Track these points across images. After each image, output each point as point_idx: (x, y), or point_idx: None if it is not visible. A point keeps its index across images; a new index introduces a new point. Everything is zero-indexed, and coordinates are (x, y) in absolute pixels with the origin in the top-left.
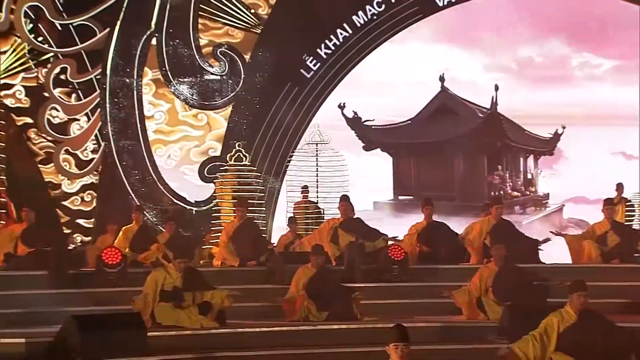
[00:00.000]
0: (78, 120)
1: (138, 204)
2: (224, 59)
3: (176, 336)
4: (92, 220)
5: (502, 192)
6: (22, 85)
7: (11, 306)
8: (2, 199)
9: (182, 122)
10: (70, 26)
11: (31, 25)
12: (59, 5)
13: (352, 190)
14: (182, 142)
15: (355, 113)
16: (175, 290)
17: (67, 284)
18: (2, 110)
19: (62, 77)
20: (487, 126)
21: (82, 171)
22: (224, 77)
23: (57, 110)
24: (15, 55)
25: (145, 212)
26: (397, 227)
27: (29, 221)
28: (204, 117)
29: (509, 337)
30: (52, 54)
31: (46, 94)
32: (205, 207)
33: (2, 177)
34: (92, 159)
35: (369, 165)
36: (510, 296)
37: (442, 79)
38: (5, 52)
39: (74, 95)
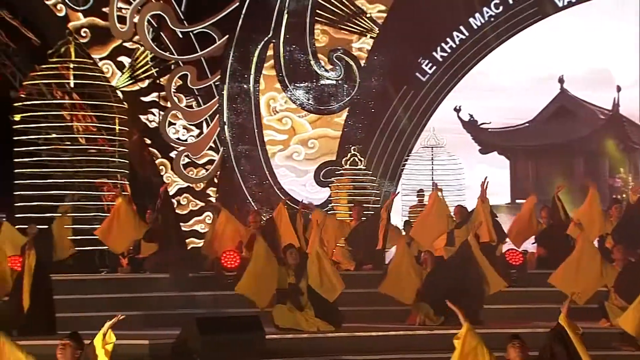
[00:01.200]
0: (196, 126)
1: (255, 208)
2: (339, 63)
3: (294, 339)
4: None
5: (624, 195)
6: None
7: (135, 308)
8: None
9: (267, 127)
10: (191, 34)
11: (153, 33)
12: (180, 14)
13: (468, 193)
14: (268, 145)
15: (471, 116)
16: (292, 287)
17: (187, 287)
18: (126, 117)
19: (183, 84)
20: (608, 128)
21: (201, 176)
22: (340, 82)
23: (178, 117)
24: (138, 63)
25: (262, 216)
26: None
27: (151, 223)
28: (288, 121)
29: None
30: (173, 61)
31: (167, 101)
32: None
33: (126, 182)
34: (209, 165)
35: (484, 168)
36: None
37: (561, 80)
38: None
39: (194, 102)
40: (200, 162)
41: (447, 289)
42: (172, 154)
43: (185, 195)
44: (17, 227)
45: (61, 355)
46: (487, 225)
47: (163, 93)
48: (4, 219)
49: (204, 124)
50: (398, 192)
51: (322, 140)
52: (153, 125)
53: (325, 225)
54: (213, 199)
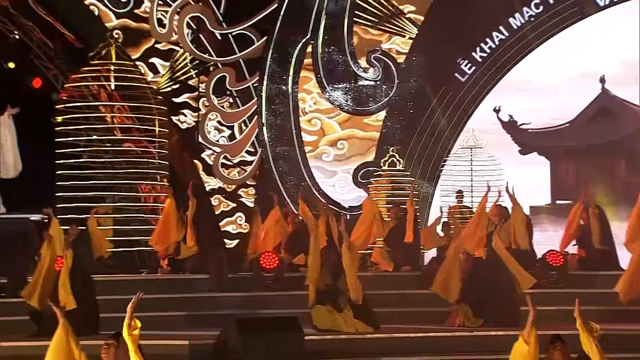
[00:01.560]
0: (234, 127)
1: (294, 209)
2: (377, 64)
3: (332, 340)
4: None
5: None
6: (185, 95)
7: (175, 309)
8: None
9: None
10: (230, 35)
11: (192, 35)
12: (219, 16)
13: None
14: None
15: (510, 117)
16: (330, 288)
17: (227, 288)
18: (166, 119)
19: (221, 85)
20: None
21: (240, 177)
22: (378, 83)
23: (217, 118)
24: (178, 65)
25: (300, 217)
26: (555, 232)
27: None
28: (317, 122)
29: None
30: (212, 63)
31: (206, 102)
32: (360, 212)
33: (166, 183)
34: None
35: (524, 169)
36: None
37: (602, 80)
38: (168, 62)
39: (232, 103)
40: (234, 163)
41: (484, 291)
42: (203, 155)
43: (216, 196)
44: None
45: (105, 356)
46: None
47: (195, 94)
48: (47, 220)
49: (235, 126)
50: (416, 184)
51: (351, 141)
52: (184, 126)
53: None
54: (245, 200)
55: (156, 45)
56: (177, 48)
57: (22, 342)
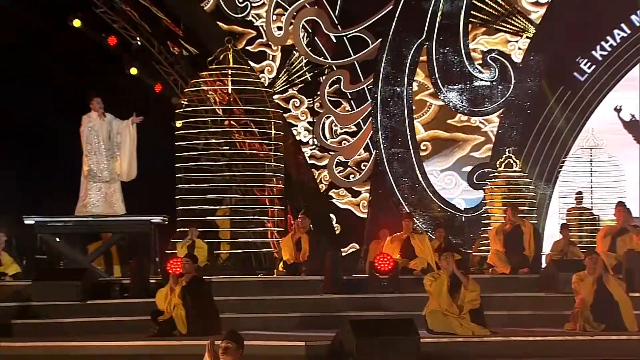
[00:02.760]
0: (349, 130)
1: (408, 211)
2: (494, 64)
3: (448, 343)
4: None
5: None
6: (299, 98)
7: (291, 310)
8: (282, 207)
9: None
10: (344, 38)
11: (308, 38)
12: (334, 19)
13: (630, 196)
14: None
15: (632, 116)
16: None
17: (341, 290)
18: (281, 122)
19: (336, 88)
20: None
21: (354, 179)
22: (494, 83)
23: (331, 120)
24: (294, 68)
25: (415, 219)
26: None
27: (305, 228)
28: None
29: None
30: (327, 65)
31: (321, 105)
32: (475, 214)
33: (281, 185)
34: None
35: None
36: None
37: None
38: (284, 65)
39: (347, 106)
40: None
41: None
42: (326, 158)
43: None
44: (178, 230)
45: (224, 358)
46: None
47: (300, 97)
48: (166, 222)
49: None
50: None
51: (434, 142)
52: (299, 129)
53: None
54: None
55: (247, 47)
56: (267, 50)
57: (143, 342)
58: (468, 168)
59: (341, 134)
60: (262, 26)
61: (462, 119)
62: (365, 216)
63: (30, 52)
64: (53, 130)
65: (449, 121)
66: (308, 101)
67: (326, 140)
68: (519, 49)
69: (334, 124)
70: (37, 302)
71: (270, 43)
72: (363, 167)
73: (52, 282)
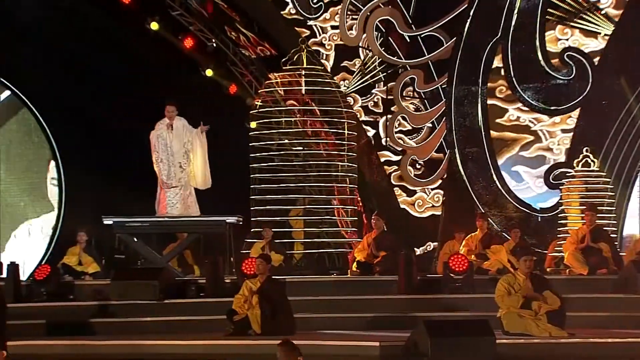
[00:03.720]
0: (422, 129)
1: (482, 211)
2: (571, 62)
3: (525, 344)
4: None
5: None
6: (353, 96)
7: (365, 310)
8: (356, 208)
9: None
10: (418, 37)
11: (381, 38)
12: (408, 18)
13: None
14: None
15: None
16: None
17: (415, 290)
18: (354, 122)
19: (410, 87)
20: None
21: (428, 179)
22: (571, 81)
23: (405, 120)
24: (367, 68)
25: (489, 219)
26: None
27: (379, 228)
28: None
29: None
30: (400, 65)
31: (394, 105)
32: (551, 214)
33: (354, 185)
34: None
35: None
36: None
37: None
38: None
39: (420, 105)
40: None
41: None
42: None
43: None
44: (252, 230)
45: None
46: None
47: (354, 95)
48: (241, 222)
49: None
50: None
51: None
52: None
53: None
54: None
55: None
56: (321, 50)
57: (218, 341)
58: (517, 167)
59: (415, 133)
60: (316, 25)
61: (511, 118)
62: (420, 216)
63: (110, 55)
64: (132, 132)
65: (497, 120)
66: (362, 99)
67: (399, 139)
68: (597, 46)
69: (407, 124)
70: (116, 301)
71: (324, 42)
72: (436, 167)
73: (130, 282)
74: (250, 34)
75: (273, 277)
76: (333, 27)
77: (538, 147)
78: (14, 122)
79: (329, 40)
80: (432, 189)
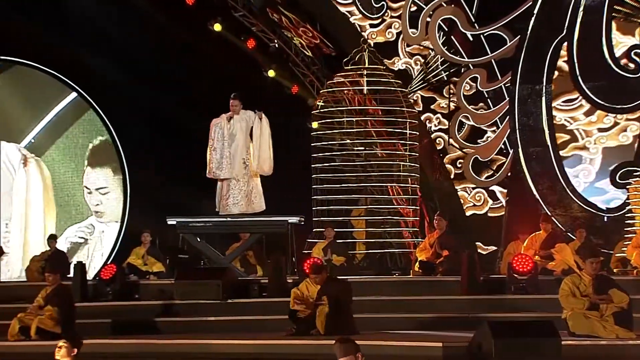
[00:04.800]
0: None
1: (547, 211)
2: (638, 60)
3: (591, 346)
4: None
5: None
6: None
7: (427, 311)
8: (418, 208)
9: None
10: (481, 36)
11: (444, 37)
12: (471, 17)
13: None
14: None
15: None
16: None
17: (478, 290)
18: (416, 122)
19: (472, 87)
20: None
21: (491, 179)
22: (639, 79)
23: (467, 120)
24: (429, 68)
25: (554, 219)
26: None
27: (441, 229)
28: None
29: None
30: (463, 64)
31: (456, 105)
32: (618, 214)
33: (416, 185)
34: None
35: None
36: None
37: None
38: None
39: (483, 105)
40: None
41: None
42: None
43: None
44: (314, 230)
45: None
46: None
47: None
48: (303, 222)
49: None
50: None
51: None
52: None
53: None
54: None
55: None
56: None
57: (281, 340)
58: None
59: (478, 132)
60: (356, 22)
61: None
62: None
63: (174, 56)
64: (196, 132)
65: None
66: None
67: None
68: None
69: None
70: (180, 301)
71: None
72: (500, 167)
73: (194, 282)
74: (313, 31)
75: (338, 277)
76: (372, 26)
77: (574, 146)
78: (80, 124)
79: (369, 39)
80: (473, 188)
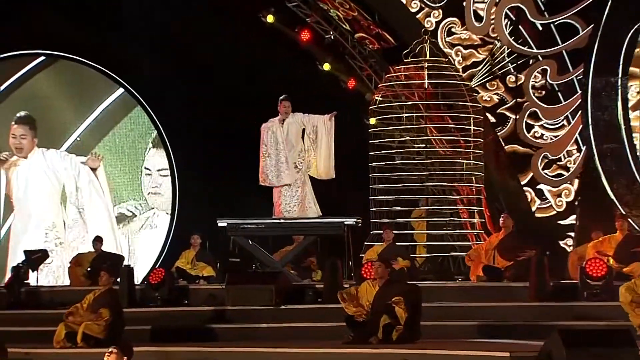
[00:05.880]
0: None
1: (622, 211)
2: None
3: None
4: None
5: None
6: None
7: (494, 318)
8: (483, 209)
9: None
10: (552, 25)
11: (511, 27)
12: (541, 5)
13: None
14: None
15: None
16: None
17: (548, 297)
18: (480, 117)
19: (541, 79)
20: None
21: (561, 178)
22: None
23: (536, 115)
24: (495, 59)
25: (630, 221)
26: None
27: (507, 229)
28: None
29: None
30: (532, 56)
31: (525, 98)
32: None
33: (480, 185)
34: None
35: None
36: None
37: None
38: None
39: (553, 98)
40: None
41: None
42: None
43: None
44: (372, 232)
45: None
46: None
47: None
48: (360, 224)
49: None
50: None
51: None
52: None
53: None
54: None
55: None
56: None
57: (338, 349)
58: None
59: (548, 128)
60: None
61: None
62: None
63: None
64: (247, 131)
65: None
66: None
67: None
68: None
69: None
70: (231, 307)
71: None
72: (572, 165)
73: (245, 287)
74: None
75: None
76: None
77: None
78: (127, 121)
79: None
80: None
